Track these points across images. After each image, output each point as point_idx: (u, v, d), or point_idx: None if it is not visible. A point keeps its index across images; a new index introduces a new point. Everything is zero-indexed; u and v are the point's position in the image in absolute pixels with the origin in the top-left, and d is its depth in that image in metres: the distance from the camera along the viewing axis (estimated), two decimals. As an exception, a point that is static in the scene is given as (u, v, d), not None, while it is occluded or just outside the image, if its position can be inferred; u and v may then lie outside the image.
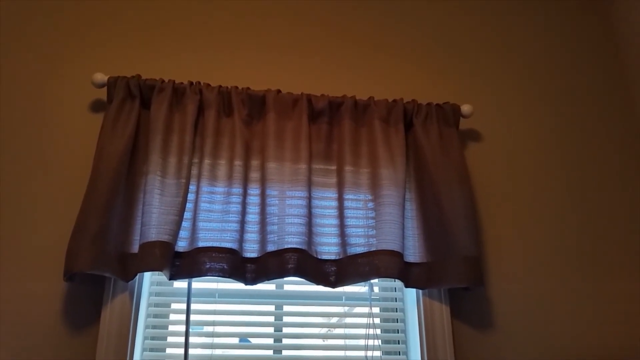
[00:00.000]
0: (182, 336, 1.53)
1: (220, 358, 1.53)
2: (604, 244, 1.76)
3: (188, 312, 1.50)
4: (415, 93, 1.87)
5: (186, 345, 1.46)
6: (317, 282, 1.50)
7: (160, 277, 1.60)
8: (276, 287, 1.66)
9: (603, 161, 1.88)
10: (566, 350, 1.61)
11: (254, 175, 1.59)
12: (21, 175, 1.57)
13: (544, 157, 1.85)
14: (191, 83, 1.63)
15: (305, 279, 1.47)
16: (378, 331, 1.64)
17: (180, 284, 1.60)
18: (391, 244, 1.51)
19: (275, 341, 1.59)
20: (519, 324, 1.62)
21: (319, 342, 1.63)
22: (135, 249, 1.47)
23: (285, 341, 1.59)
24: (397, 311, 1.67)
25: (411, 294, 1.63)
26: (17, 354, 1.40)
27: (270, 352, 1.57)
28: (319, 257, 1.53)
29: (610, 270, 1.73)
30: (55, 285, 1.48)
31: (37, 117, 1.64)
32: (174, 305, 1.59)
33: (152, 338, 1.55)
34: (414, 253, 1.57)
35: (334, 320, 1.65)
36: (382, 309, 1.67)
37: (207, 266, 1.44)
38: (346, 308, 1.66)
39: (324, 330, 1.65)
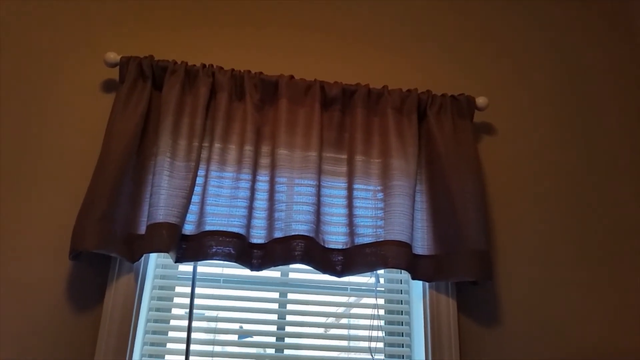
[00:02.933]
0: (185, 320, 1.52)
1: (223, 343, 1.52)
2: (615, 241, 1.73)
3: (192, 296, 1.49)
4: (430, 84, 1.84)
5: (189, 330, 1.45)
6: (324, 271, 1.48)
7: (166, 259, 1.60)
8: (281, 275, 1.64)
9: (615, 159, 1.85)
10: (573, 347, 1.58)
11: (264, 161, 1.57)
12: (30, 154, 1.56)
13: (557, 153, 1.83)
14: (204, 65, 1.61)
15: (312, 267, 1.46)
16: (382, 322, 1.62)
17: (185, 268, 1.60)
18: (400, 235, 1.49)
19: (278, 329, 1.58)
20: (526, 319, 1.60)
21: (323, 331, 1.62)
22: (142, 230, 1.46)
23: (288, 329, 1.58)
24: (402, 303, 1.65)
25: (417, 286, 1.62)
26: (21, 334, 1.40)
27: (272, 340, 1.57)
28: (326, 246, 1.52)
29: (620, 267, 1.70)
30: (60, 265, 1.47)
31: (49, 96, 1.63)
32: (178, 289, 1.59)
33: (155, 321, 1.54)
34: (422, 245, 1.55)
35: (339, 310, 1.64)
36: (387, 301, 1.66)
37: (214, 250, 1.43)
38: (351, 298, 1.65)
39: (328, 320, 1.63)
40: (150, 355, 1.50)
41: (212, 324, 1.55)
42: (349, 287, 1.65)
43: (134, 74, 1.57)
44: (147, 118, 1.56)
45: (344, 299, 1.64)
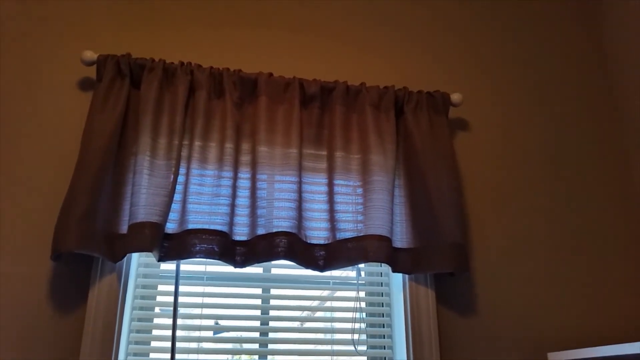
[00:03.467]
0: (170, 318, 1.53)
1: (207, 339, 1.54)
2: (588, 232, 1.81)
3: (176, 294, 1.50)
4: (405, 81, 1.88)
5: (174, 327, 1.46)
6: (306, 266, 1.51)
7: (148, 258, 1.60)
8: (263, 271, 1.67)
9: (586, 151, 1.92)
10: (548, 336, 1.65)
11: (245, 158, 1.59)
12: (8, 153, 1.54)
13: (530, 147, 1.89)
14: (182, 63, 1.62)
15: (295, 262, 1.48)
16: (364, 315, 1.66)
17: (167, 267, 1.60)
18: (380, 229, 1.53)
19: (261, 324, 1.60)
20: (502, 308, 1.66)
21: (307, 324, 1.64)
22: (123, 229, 1.46)
23: (272, 324, 1.61)
24: (382, 295, 1.70)
25: (397, 278, 1.66)
26: (2, 335, 1.38)
27: (257, 334, 1.59)
28: (308, 242, 1.54)
29: (592, 257, 1.77)
30: (41, 266, 1.46)
31: (25, 94, 1.61)
32: (160, 287, 1.59)
33: (139, 319, 1.55)
34: (401, 239, 1.59)
35: (321, 304, 1.67)
36: (368, 294, 1.69)
37: (197, 248, 1.44)
38: (326, 292, 1.68)
39: (310, 314, 1.66)
40: (136, 354, 1.50)
41: (197, 322, 1.56)
42: (331, 281, 1.68)
43: (111, 72, 1.56)
44: (126, 116, 1.56)
45: (326, 293, 1.67)
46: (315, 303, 1.67)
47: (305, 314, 1.68)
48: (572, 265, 1.76)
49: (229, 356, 1.55)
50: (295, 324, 1.62)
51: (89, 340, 1.40)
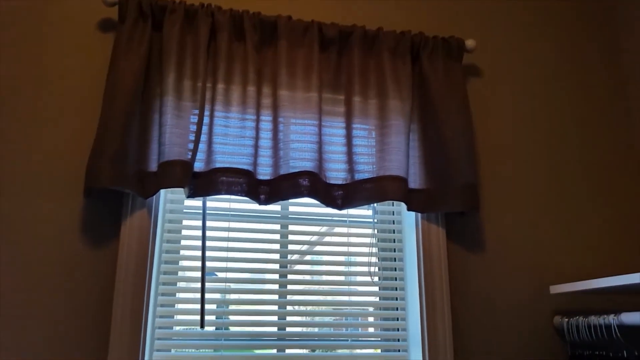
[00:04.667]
0: (198, 250, 1.62)
1: (235, 270, 1.64)
2: (589, 173, 1.90)
3: (204, 227, 1.58)
4: (419, 26, 1.91)
5: (203, 258, 1.55)
6: (326, 204, 1.60)
7: (174, 195, 1.67)
8: (281, 209, 1.75)
9: (597, 98, 1.99)
10: (551, 268, 1.77)
11: (266, 101, 1.64)
12: (34, 95, 1.58)
13: (540, 91, 1.95)
14: (202, 5, 1.63)
15: (316, 200, 1.57)
16: (376, 250, 1.77)
17: (191, 203, 1.68)
18: (396, 170, 1.61)
19: (281, 257, 1.70)
20: (508, 245, 1.77)
21: (324, 258, 1.75)
22: (153, 167, 1.53)
23: (291, 257, 1.71)
24: (395, 232, 1.80)
25: (410, 218, 1.75)
26: (39, 269, 1.47)
27: (276, 266, 1.69)
28: (328, 182, 1.62)
29: (594, 196, 1.88)
30: (74, 202, 1.53)
31: (47, 36, 1.63)
32: (185, 222, 1.68)
33: (167, 252, 1.64)
34: (415, 180, 1.68)
35: (338, 240, 1.77)
36: (381, 231, 1.79)
37: (225, 185, 1.52)
38: (328, 229, 1.78)
39: (328, 249, 1.77)
40: (165, 283, 1.60)
41: (224, 254, 1.66)
42: (347, 219, 1.77)
43: (134, 13, 1.58)
44: (149, 58, 1.59)
45: (343, 230, 1.77)
46: (334, 239, 1.77)
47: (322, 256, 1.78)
48: (574, 205, 1.86)
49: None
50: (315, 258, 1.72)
51: (123, 271, 1.49)
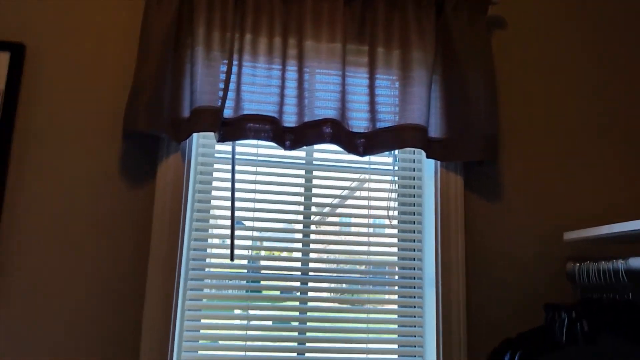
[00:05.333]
0: (228, 191, 1.74)
1: (262, 210, 1.76)
2: (609, 127, 1.92)
3: (233, 171, 1.70)
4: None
5: (232, 195, 1.68)
6: (348, 151, 1.68)
7: (205, 139, 1.78)
8: (306, 155, 1.85)
9: (621, 55, 1.98)
10: (565, 216, 1.83)
11: (292, 52, 1.71)
12: (73, 48, 1.70)
13: (564, 43, 1.95)
14: (232, -43, 1.69)
15: (339, 146, 1.66)
16: (396, 195, 1.85)
17: (222, 148, 1.79)
18: (417, 119, 1.68)
19: (305, 199, 1.81)
20: (524, 195, 1.82)
21: (346, 203, 1.85)
22: (185, 113, 1.63)
23: (314, 200, 1.82)
24: (414, 179, 1.88)
25: (430, 166, 1.82)
26: (76, 205, 1.62)
27: (301, 208, 1.80)
28: (351, 130, 1.70)
29: (613, 149, 1.90)
30: (112, 147, 1.66)
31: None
32: (216, 166, 1.79)
33: (200, 192, 1.76)
34: (435, 130, 1.74)
35: (358, 185, 1.86)
36: (402, 178, 1.87)
37: (252, 131, 1.62)
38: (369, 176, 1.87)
39: (348, 193, 1.86)
40: (198, 220, 1.74)
41: (252, 195, 1.78)
42: (368, 165, 1.86)
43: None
44: (181, 11, 1.67)
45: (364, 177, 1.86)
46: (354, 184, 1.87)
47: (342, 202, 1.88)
48: (591, 155, 1.89)
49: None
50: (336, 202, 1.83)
51: (160, 208, 1.62)
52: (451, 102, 1.74)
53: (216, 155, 1.80)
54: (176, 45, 1.65)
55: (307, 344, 1.71)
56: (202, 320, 1.69)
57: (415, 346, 1.77)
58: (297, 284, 1.77)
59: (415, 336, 1.77)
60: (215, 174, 1.79)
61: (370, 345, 1.74)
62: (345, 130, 1.68)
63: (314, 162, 1.84)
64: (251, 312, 1.71)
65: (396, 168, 1.88)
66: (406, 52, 1.73)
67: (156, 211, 1.62)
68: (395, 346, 1.77)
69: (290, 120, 1.68)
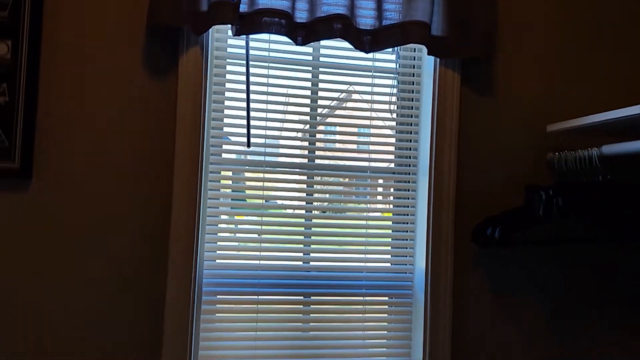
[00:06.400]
0: (243, 84, 1.87)
1: (273, 111, 1.92)
2: (599, 27, 2.06)
3: (247, 64, 1.82)
4: None
5: (247, 84, 1.82)
6: (355, 47, 1.81)
7: (219, 34, 1.89)
8: (312, 59, 1.97)
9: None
10: (552, 112, 2.00)
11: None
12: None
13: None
14: None
15: (347, 42, 1.79)
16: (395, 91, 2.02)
17: (235, 42, 1.90)
18: (420, 16, 1.80)
19: (312, 102, 1.97)
20: (515, 91, 1.98)
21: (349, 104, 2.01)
22: (204, 7, 1.72)
23: (320, 102, 1.98)
24: (414, 76, 2.03)
25: (429, 64, 1.96)
26: (112, 102, 1.74)
27: (307, 110, 1.97)
28: (358, 27, 1.82)
29: (602, 49, 2.05)
30: (138, 42, 1.77)
31: None
32: (230, 61, 1.91)
33: (216, 84, 1.90)
34: (437, 28, 1.86)
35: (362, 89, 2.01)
36: (402, 75, 2.02)
37: (268, 24, 1.73)
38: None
39: (352, 87, 2.02)
40: (215, 110, 1.89)
41: (264, 97, 1.92)
42: (372, 69, 2.00)
43: None
44: None
45: (367, 80, 2.00)
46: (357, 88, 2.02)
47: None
48: (582, 54, 2.05)
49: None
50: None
51: (183, 100, 1.76)
52: (452, 2, 1.85)
53: (230, 51, 1.91)
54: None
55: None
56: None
57: (407, 223, 2.01)
58: (303, 189, 1.96)
59: (407, 215, 2.01)
60: (230, 67, 1.91)
61: (369, 230, 1.98)
62: (354, 27, 1.80)
63: (321, 59, 1.97)
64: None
65: (398, 65, 2.02)
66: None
67: (180, 99, 1.76)
68: (389, 231, 2.02)
69: (301, 16, 1.78)
